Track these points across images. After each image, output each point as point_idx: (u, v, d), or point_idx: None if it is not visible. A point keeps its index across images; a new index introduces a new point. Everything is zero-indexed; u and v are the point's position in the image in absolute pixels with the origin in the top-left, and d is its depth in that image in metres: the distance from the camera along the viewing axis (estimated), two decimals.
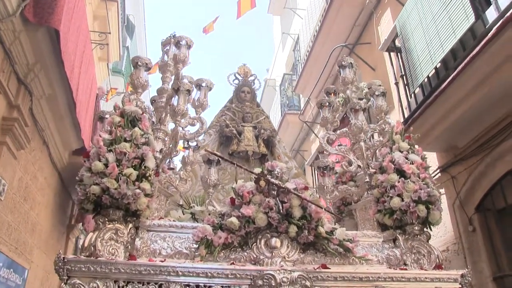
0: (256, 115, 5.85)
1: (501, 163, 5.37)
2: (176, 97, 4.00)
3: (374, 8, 8.70)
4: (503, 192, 5.50)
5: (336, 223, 4.40)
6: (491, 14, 4.87)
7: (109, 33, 9.36)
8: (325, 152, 4.72)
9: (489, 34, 4.53)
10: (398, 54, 6.94)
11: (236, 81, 6.13)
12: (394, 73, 7.29)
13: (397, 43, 6.93)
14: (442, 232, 6.34)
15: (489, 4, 4.93)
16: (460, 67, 4.96)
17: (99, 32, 9.19)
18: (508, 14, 4.31)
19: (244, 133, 5.56)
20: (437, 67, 5.72)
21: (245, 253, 3.44)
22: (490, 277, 5.44)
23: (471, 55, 4.76)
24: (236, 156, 5.55)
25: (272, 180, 3.55)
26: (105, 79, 11.64)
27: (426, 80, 5.94)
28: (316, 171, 5.49)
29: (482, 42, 4.59)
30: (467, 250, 5.82)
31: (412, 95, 6.33)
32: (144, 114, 3.79)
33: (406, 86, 6.59)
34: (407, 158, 3.98)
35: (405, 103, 6.70)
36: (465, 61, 4.86)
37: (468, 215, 5.87)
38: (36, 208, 6.54)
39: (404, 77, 6.62)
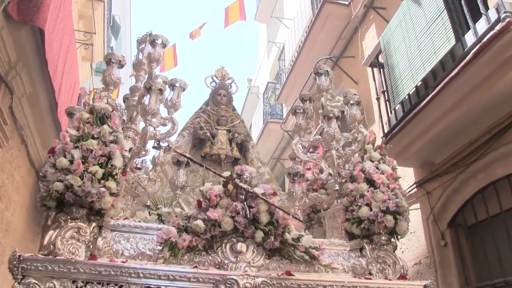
0: (231, 119, 5.83)
1: (473, 181, 5.48)
2: (148, 96, 3.95)
3: (359, 23, 8.78)
4: (474, 209, 5.61)
5: (306, 230, 4.44)
6: (469, 38, 5.01)
7: (94, 33, 9.29)
8: (296, 159, 4.70)
9: (467, 57, 4.68)
10: (381, 70, 7.03)
11: (213, 84, 6.09)
12: (376, 88, 7.37)
13: (381, 59, 7.04)
14: (416, 245, 6.44)
15: (469, 28, 5.06)
16: (439, 87, 5.09)
17: (84, 31, 9.10)
18: (484, 39, 4.48)
19: (218, 136, 5.54)
20: (418, 85, 5.83)
21: (210, 257, 3.40)
22: None
23: (450, 76, 4.91)
24: (209, 159, 5.52)
25: (241, 184, 3.52)
26: (88, 79, 11.54)
27: (406, 97, 6.04)
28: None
29: (461, 65, 4.74)
30: (438, 264, 5.92)
31: (393, 111, 6.42)
32: (114, 111, 3.73)
33: (387, 102, 6.68)
34: (378, 168, 3.99)
35: (385, 118, 6.78)
36: (444, 81, 5.00)
37: (441, 230, 5.96)
38: (11, 208, 6.43)
39: (386, 92, 6.73)
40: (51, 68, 5.29)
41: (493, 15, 4.64)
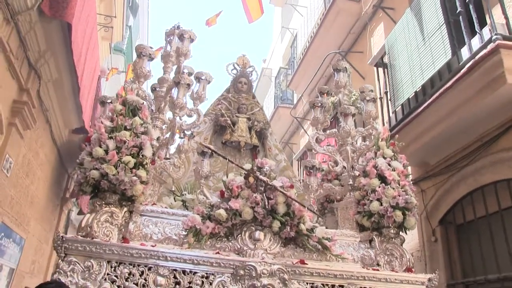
0: (251, 107, 6.07)
1: (463, 184, 5.87)
2: (176, 89, 4.22)
3: (369, 20, 9.04)
4: (463, 209, 6.01)
5: (319, 218, 4.74)
6: (465, 52, 5.35)
7: (115, 16, 9.62)
8: (313, 150, 4.97)
9: (461, 72, 5.02)
10: (385, 70, 7.32)
11: (235, 71, 6.30)
12: (380, 88, 7.68)
13: (385, 60, 7.31)
14: (409, 239, 6.73)
15: (465, 43, 5.37)
16: (435, 96, 5.46)
17: (105, 15, 9.38)
18: (477, 57, 4.81)
19: (238, 124, 5.80)
20: (417, 91, 6.19)
21: (230, 243, 3.72)
22: (444, 284, 5.93)
23: (445, 86, 5.28)
24: (229, 145, 5.81)
25: (261, 177, 3.82)
26: (106, 58, 11.83)
27: (406, 100, 6.40)
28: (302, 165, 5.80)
29: (455, 78, 5.09)
30: (428, 258, 6.35)
31: (394, 112, 6.77)
32: (144, 104, 4.03)
33: (390, 101, 7.01)
34: (389, 165, 4.26)
35: (386, 118, 7.14)
36: (440, 91, 5.37)
37: (432, 227, 6.39)
38: (35, 183, 6.89)
39: (388, 93, 7.05)
40: (76, 56, 5.61)
41: (486, 34, 4.98)
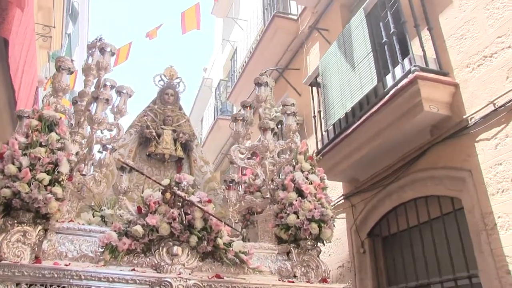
0: (177, 118, 6.12)
1: (388, 200, 6.39)
2: (95, 104, 4.24)
3: (305, 39, 9.54)
4: (388, 223, 6.54)
5: (242, 229, 4.87)
6: (389, 80, 5.85)
7: (54, 27, 9.39)
8: (234, 164, 5.09)
9: (385, 97, 5.57)
10: (319, 89, 7.72)
11: (162, 83, 6.35)
12: (314, 106, 8.05)
13: (319, 80, 7.71)
14: (340, 250, 7.30)
15: (389, 71, 5.87)
16: (362, 119, 5.98)
17: (43, 25, 9.18)
18: (399, 85, 5.41)
19: (163, 136, 5.85)
20: (347, 112, 6.61)
21: (148, 259, 3.75)
22: None
23: (371, 111, 5.82)
24: (154, 158, 5.85)
25: (178, 192, 3.89)
26: (44, 66, 11.58)
27: (338, 120, 6.83)
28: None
29: (380, 103, 5.65)
30: (357, 268, 6.78)
31: (326, 131, 7.20)
32: (62, 119, 4.01)
33: (323, 120, 7.42)
34: (307, 178, 4.43)
35: (319, 136, 7.55)
36: (367, 114, 5.93)
37: (361, 239, 6.84)
38: None
39: (321, 112, 7.44)
40: (13, 71, 5.50)
41: (407, 64, 5.50)
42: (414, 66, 5.31)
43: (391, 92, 5.52)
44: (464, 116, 5.20)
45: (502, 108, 4.75)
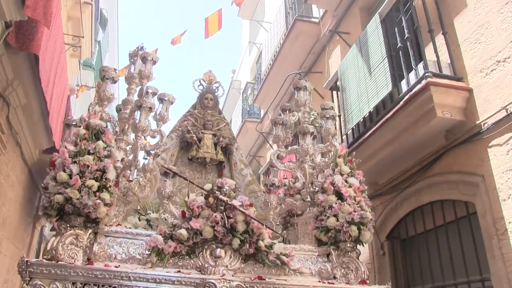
0: (216, 123, 6.33)
1: (406, 203, 6.58)
2: (139, 112, 4.48)
3: (327, 42, 9.75)
4: (406, 226, 6.74)
5: (283, 231, 5.03)
6: (404, 85, 6.02)
7: (83, 37, 9.83)
8: (274, 167, 5.26)
9: (400, 103, 5.72)
10: (338, 93, 7.94)
11: (201, 87, 6.57)
12: (335, 110, 8.15)
13: (339, 84, 7.92)
14: (361, 253, 7.34)
15: (404, 77, 6.03)
16: (378, 125, 6.20)
17: (73, 35, 9.63)
18: (413, 91, 5.52)
19: (204, 140, 6.05)
20: (365, 116, 6.81)
21: (192, 261, 3.97)
22: None
23: (386, 116, 5.98)
24: (195, 162, 6.07)
25: (221, 196, 4.09)
26: (75, 74, 12.05)
27: (356, 124, 7.06)
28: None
29: (395, 109, 5.86)
30: (377, 270, 7.00)
31: (346, 135, 7.40)
32: (107, 127, 4.27)
33: (342, 123, 7.63)
34: (346, 181, 4.57)
35: (339, 140, 7.67)
36: (382, 120, 6.08)
37: (380, 241, 7.03)
38: (7, 204, 7.09)
39: (341, 116, 7.62)
40: (44, 83, 5.83)
41: (421, 70, 5.62)
42: (427, 72, 5.45)
43: (405, 98, 5.69)
44: (477, 122, 5.31)
45: None
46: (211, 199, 4.06)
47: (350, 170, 4.68)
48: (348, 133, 7.29)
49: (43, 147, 8.05)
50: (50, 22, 5.00)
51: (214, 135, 6.16)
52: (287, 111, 5.54)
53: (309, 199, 4.80)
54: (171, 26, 60.63)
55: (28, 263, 3.45)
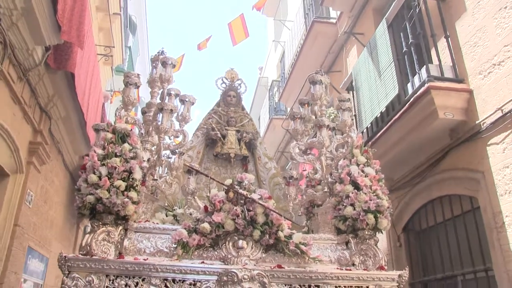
0: (240, 119, 6.76)
1: (419, 198, 7.20)
2: (161, 114, 4.92)
3: (344, 42, 10.29)
4: (420, 218, 7.35)
5: (307, 221, 5.40)
6: (410, 88, 6.53)
7: (113, 47, 10.65)
8: (294, 160, 5.62)
9: (405, 106, 6.36)
10: (353, 94, 8.42)
11: (224, 85, 6.99)
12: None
13: (353, 84, 8.46)
14: (379, 245, 7.83)
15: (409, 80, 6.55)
16: (388, 124, 6.68)
17: (104, 46, 10.49)
18: (416, 94, 6.05)
19: (228, 137, 6.49)
20: (377, 117, 7.30)
21: (216, 252, 4.40)
22: (407, 283, 6.92)
23: (394, 117, 6.52)
24: (220, 157, 6.51)
25: (240, 191, 4.50)
26: (108, 80, 12.98)
27: (370, 123, 7.58)
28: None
29: (401, 110, 6.44)
30: (394, 261, 7.55)
31: (361, 133, 7.81)
32: (132, 130, 4.73)
33: (358, 124, 8.10)
34: (363, 171, 4.90)
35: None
36: (391, 121, 6.61)
37: (397, 233, 7.63)
38: (53, 207, 8.06)
39: (356, 116, 8.11)
40: (80, 96, 6.71)
41: (424, 74, 6.12)
42: (428, 76, 5.98)
43: (410, 101, 6.24)
44: (477, 121, 5.82)
45: (508, 114, 5.29)
46: (231, 194, 4.47)
47: (366, 160, 4.99)
48: (363, 131, 7.77)
49: (82, 153, 8.89)
50: (83, 43, 5.76)
51: (238, 131, 6.57)
52: (306, 105, 5.88)
53: (326, 190, 5.14)
54: (196, 31, 62.03)
55: (66, 258, 3.96)
